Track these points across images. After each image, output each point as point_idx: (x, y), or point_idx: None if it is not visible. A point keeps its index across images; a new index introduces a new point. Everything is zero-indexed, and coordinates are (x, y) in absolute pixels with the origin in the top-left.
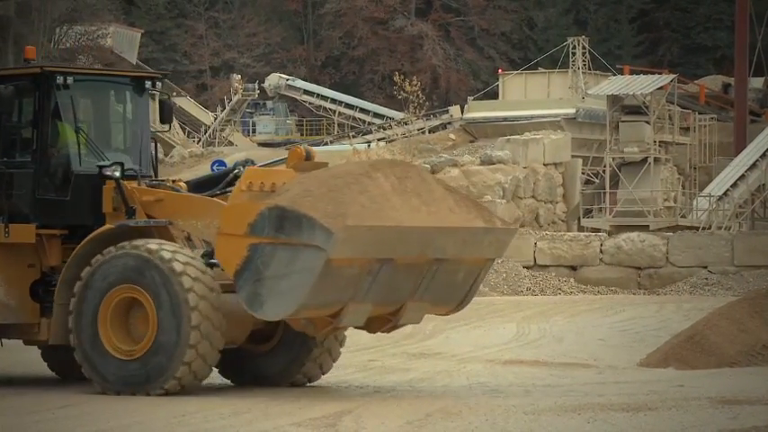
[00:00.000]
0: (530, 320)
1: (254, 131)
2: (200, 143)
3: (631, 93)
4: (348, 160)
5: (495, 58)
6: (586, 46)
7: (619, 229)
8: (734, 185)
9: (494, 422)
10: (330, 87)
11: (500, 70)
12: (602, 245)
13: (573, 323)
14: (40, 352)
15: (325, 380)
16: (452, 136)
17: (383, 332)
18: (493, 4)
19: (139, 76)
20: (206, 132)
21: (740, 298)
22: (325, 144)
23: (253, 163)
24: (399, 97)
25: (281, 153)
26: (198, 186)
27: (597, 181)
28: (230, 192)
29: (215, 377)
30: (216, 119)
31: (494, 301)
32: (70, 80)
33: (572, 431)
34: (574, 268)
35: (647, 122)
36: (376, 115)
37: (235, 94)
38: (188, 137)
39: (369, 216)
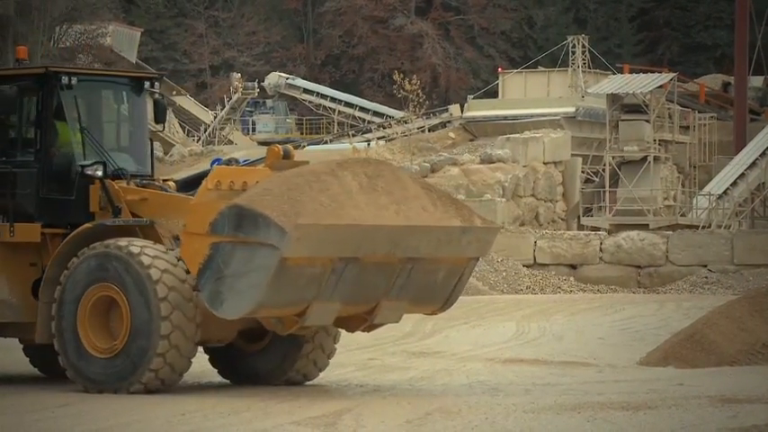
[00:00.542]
0: (529, 319)
1: (253, 130)
2: (200, 142)
3: (631, 91)
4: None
5: (495, 57)
6: (586, 44)
7: (618, 227)
8: (734, 184)
9: (493, 421)
10: (330, 86)
11: (500, 69)
12: (601, 243)
13: (573, 322)
14: (22, 349)
15: (324, 378)
16: (452, 135)
17: (362, 331)
18: (492, 3)
19: (139, 76)
20: (206, 131)
21: (740, 297)
22: (325, 143)
23: (237, 161)
24: (399, 96)
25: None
26: (186, 185)
27: (597, 180)
28: None
29: (215, 376)
30: (216, 117)
31: (494, 299)
32: (74, 80)
33: (572, 430)
34: (574, 267)
35: (647, 121)
36: (376, 114)
37: (234, 93)
38: (188, 135)
39: (326, 215)
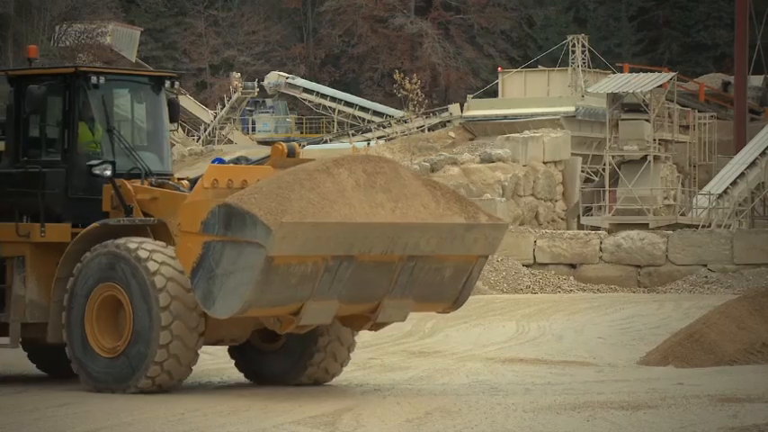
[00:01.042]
0: (529, 319)
1: (253, 129)
2: (200, 141)
3: (631, 91)
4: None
5: (495, 57)
6: (586, 44)
7: (618, 227)
8: (733, 183)
9: (493, 420)
10: (330, 85)
11: (500, 68)
12: (601, 243)
13: (572, 321)
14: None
15: None
16: (452, 134)
17: (369, 330)
18: (492, 2)
19: (159, 75)
20: (206, 130)
21: (739, 296)
22: (325, 142)
23: (246, 160)
24: (399, 95)
25: (248, 153)
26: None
27: (597, 179)
28: None
29: (214, 376)
30: (215, 117)
31: (493, 299)
32: (102, 80)
33: (571, 429)
34: (573, 266)
35: (647, 120)
36: (375, 113)
37: (234, 93)
38: (188, 135)
39: (313, 213)
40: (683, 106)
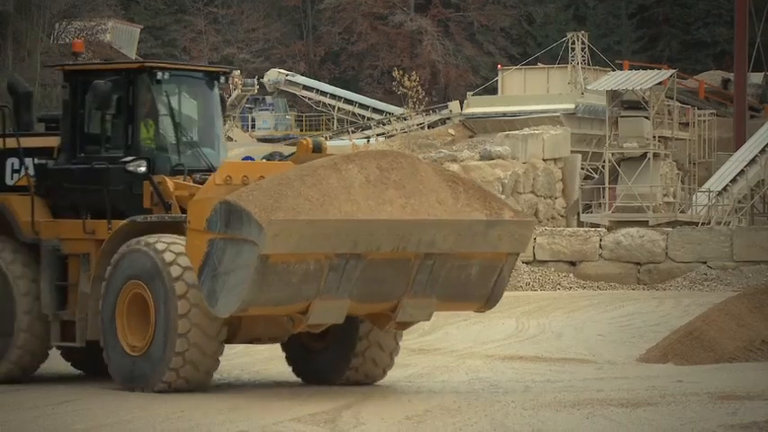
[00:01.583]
0: (529, 316)
1: (253, 127)
2: None
3: (631, 88)
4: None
5: (495, 54)
6: (586, 41)
7: (618, 224)
8: (733, 181)
9: (493, 418)
10: (329, 83)
11: (499, 66)
12: (601, 240)
13: (572, 319)
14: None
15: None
16: (451, 131)
17: (396, 329)
18: (492, 0)
19: (214, 70)
20: None
21: (739, 293)
22: (325, 139)
23: (281, 155)
24: (398, 93)
25: (282, 149)
26: None
27: (596, 176)
28: None
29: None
30: None
31: None
32: (167, 75)
33: (571, 427)
34: (573, 264)
35: (647, 118)
36: (375, 111)
37: (234, 90)
38: None
39: (310, 210)
40: (683, 103)
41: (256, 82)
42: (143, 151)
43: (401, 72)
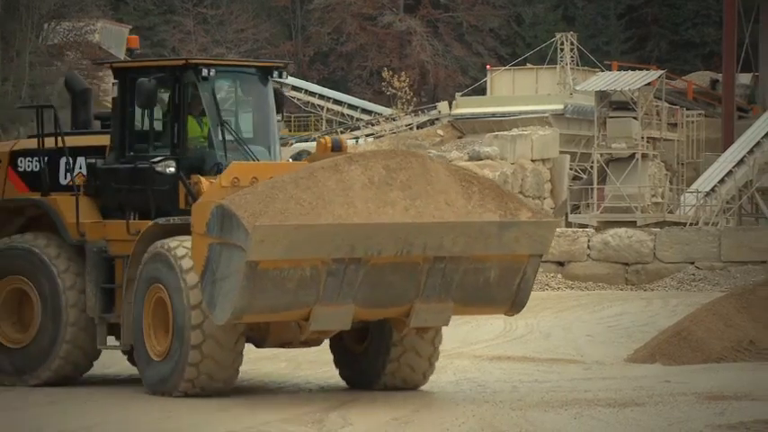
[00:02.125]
0: (517, 316)
1: None
2: None
3: (619, 89)
4: None
5: (484, 54)
6: (574, 42)
7: (606, 224)
8: (721, 181)
9: (481, 418)
10: (318, 83)
11: (488, 66)
12: (589, 240)
13: (560, 319)
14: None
15: (312, 376)
16: (440, 132)
17: (417, 335)
18: (481, 0)
19: (267, 65)
20: None
21: (727, 294)
22: (314, 140)
23: (308, 154)
24: (387, 93)
25: (312, 147)
26: None
27: (585, 177)
28: None
29: None
30: None
31: None
32: (213, 72)
33: (558, 427)
34: (561, 264)
35: (635, 118)
36: (364, 111)
37: None
38: None
39: (300, 214)
40: (672, 104)
41: None
42: (189, 150)
43: (390, 72)
